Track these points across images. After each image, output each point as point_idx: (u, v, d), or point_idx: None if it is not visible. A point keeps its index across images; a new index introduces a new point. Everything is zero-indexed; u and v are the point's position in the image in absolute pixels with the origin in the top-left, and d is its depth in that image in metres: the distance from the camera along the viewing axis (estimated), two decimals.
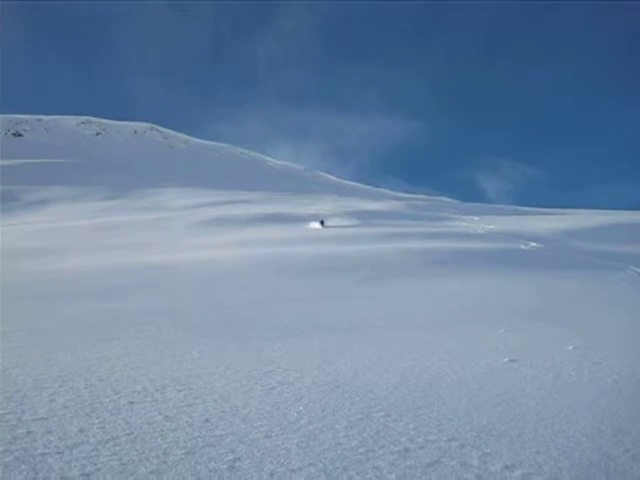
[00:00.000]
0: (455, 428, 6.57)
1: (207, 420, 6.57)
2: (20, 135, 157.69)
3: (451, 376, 9.28)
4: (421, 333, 13.80)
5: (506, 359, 10.53)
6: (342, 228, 43.38)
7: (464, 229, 46.21)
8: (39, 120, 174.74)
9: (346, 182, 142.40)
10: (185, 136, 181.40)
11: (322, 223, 45.64)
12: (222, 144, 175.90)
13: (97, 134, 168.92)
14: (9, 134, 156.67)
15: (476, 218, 56.77)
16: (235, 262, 27.51)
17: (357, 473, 5.20)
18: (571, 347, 11.78)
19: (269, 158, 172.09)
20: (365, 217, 51.86)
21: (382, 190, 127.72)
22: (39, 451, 5.54)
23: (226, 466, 5.28)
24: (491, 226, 48.02)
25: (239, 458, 5.47)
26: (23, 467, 5.13)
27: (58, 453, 5.51)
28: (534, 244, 37.52)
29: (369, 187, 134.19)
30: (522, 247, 36.11)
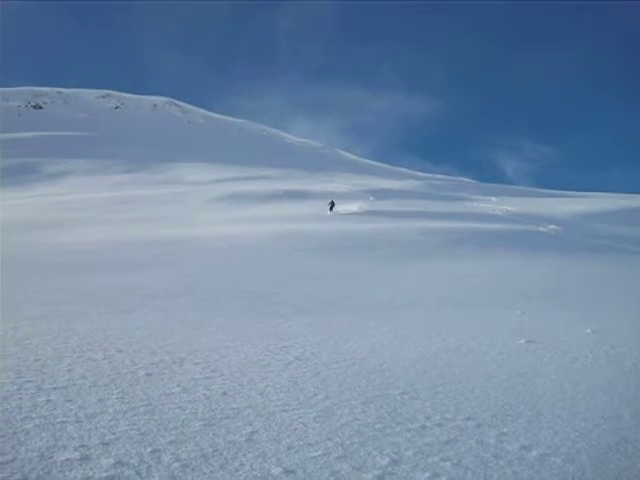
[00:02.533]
0: (472, 407, 6.56)
1: (225, 393, 6.59)
2: (40, 107, 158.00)
3: (468, 356, 9.26)
4: (438, 313, 13.78)
5: (523, 340, 10.49)
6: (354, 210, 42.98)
7: (482, 210, 46.00)
8: (59, 92, 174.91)
9: (364, 160, 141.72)
10: (204, 111, 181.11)
11: (331, 208, 41.34)
12: (241, 120, 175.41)
13: (116, 108, 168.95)
14: (29, 106, 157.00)
15: (494, 199, 56.41)
16: (252, 238, 27.56)
17: (374, 449, 5.20)
18: (588, 330, 11.72)
19: (288, 134, 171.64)
20: (383, 196, 51.66)
21: (401, 169, 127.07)
22: (59, 419, 5.58)
23: (244, 438, 5.30)
24: (510, 207, 47.70)
25: (257, 431, 5.50)
26: (43, 434, 5.17)
27: (77, 422, 5.55)
28: (553, 226, 37.28)
29: (387, 166, 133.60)
30: (541, 229, 35.91)
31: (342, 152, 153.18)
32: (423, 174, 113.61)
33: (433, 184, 74.56)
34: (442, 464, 4.98)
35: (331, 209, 41.04)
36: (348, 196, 50.67)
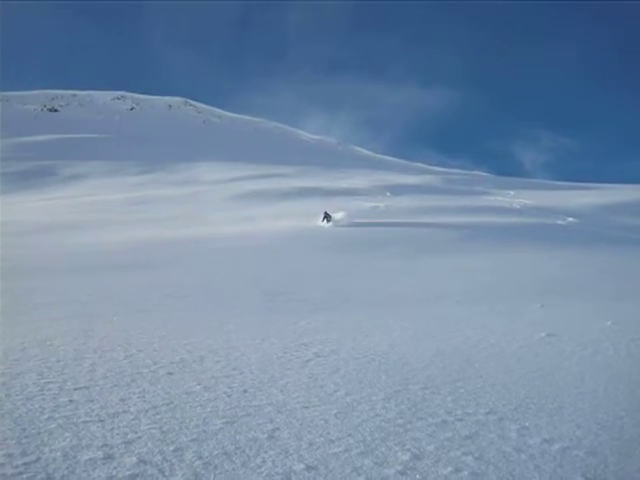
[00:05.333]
0: (493, 401, 6.55)
1: (245, 391, 6.62)
2: (56, 110, 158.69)
3: (488, 350, 9.24)
4: (456, 307, 13.75)
5: (543, 334, 10.45)
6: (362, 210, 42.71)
7: (499, 204, 45.75)
8: (74, 95, 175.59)
9: (380, 156, 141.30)
10: (219, 110, 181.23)
11: (327, 219, 33.61)
12: (256, 118, 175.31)
13: (131, 109, 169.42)
14: (45, 109, 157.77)
15: (512, 192, 56.06)
16: (269, 236, 27.61)
17: (395, 444, 5.21)
18: (609, 322, 11.65)
19: (303, 132, 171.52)
20: (399, 191, 51.52)
21: (416, 164, 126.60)
22: (82, 419, 5.63)
23: (265, 435, 5.32)
24: (527, 201, 47.41)
25: (278, 428, 5.52)
26: (67, 434, 5.21)
27: (100, 421, 5.59)
28: (571, 219, 37.05)
29: (403, 161, 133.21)
30: (559, 222, 35.70)
31: (357, 148, 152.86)
32: (439, 169, 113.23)
33: (449, 178, 74.25)
34: (464, 458, 4.97)
35: (327, 219, 33.41)
36: (365, 192, 50.59)
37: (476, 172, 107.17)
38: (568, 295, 15.77)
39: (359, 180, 63.55)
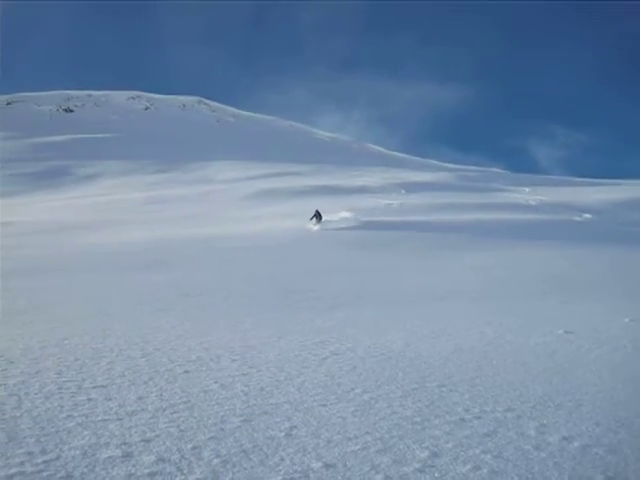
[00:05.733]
0: (511, 399, 6.52)
1: (262, 389, 6.62)
2: (71, 111, 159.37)
3: (505, 347, 9.21)
4: (472, 304, 13.71)
5: (561, 331, 10.39)
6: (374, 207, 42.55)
7: (515, 200, 45.49)
8: (89, 95, 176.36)
9: (394, 153, 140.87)
10: (233, 109, 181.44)
11: (318, 217, 31.07)
12: (270, 117, 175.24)
13: (146, 109, 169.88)
14: (60, 110, 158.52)
15: (527, 189, 55.74)
16: (284, 234, 27.63)
17: (414, 442, 5.19)
18: (627, 319, 11.59)
19: (317, 130, 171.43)
20: (414, 189, 51.38)
21: (431, 161, 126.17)
22: (100, 417, 5.65)
23: (283, 434, 5.32)
24: (543, 197, 47.10)
25: (296, 426, 5.51)
26: (85, 432, 5.24)
27: (118, 419, 5.61)
28: (588, 215, 36.77)
29: (418, 158, 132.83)
30: (576, 218, 35.46)
31: (372, 146, 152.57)
32: (454, 166, 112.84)
33: (464, 175, 73.96)
34: (482, 456, 4.95)
35: (318, 219, 31.03)
36: (380, 190, 50.50)
37: (491, 169, 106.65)
38: (585, 292, 15.69)
39: (374, 178, 63.42)
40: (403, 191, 50.54)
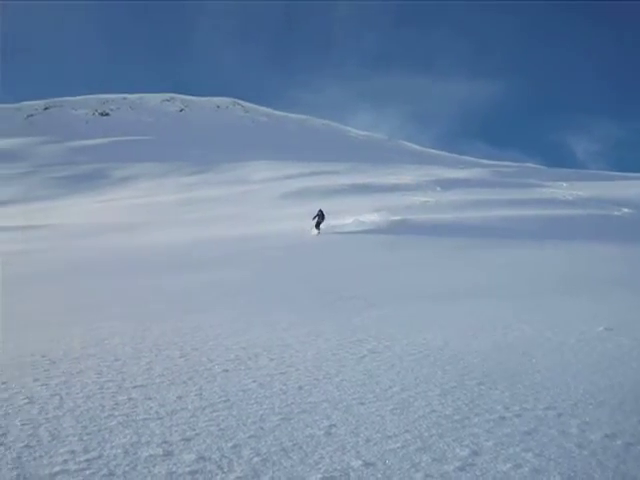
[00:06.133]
0: (551, 396, 6.44)
1: (301, 387, 6.64)
2: (107, 114, 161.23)
3: (544, 345, 9.09)
4: (510, 302, 13.56)
5: (601, 328, 10.22)
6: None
7: (552, 195, 44.97)
8: (124, 98, 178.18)
9: (429, 150, 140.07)
10: (266, 109, 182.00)
11: (318, 223, 28.80)
12: (303, 116, 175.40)
13: (181, 110, 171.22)
14: (96, 113, 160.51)
15: (564, 184, 55.07)
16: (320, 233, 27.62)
17: (453, 440, 5.16)
18: None
19: (350, 128, 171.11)
20: (449, 186, 51.06)
21: (466, 158, 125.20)
22: (141, 416, 5.72)
23: (322, 432, 5.33)
24: (581, 192, 46.44)
25: (335, 424, 5.52)
26: (127, 431, 5.30)
27: (159, 419, 5.67)
28: (627, 210, 36.16)
29: (452, 155, 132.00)
30: (614, 213, 34.90)
31: (406, 143, 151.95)
32: (489, 162, 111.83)
33: (500, 171, 73.31)
34: (524, 455, 4.90)
35: (318, 225, 28.64)
36: (415, 187, 50.29)
37: (527, 164, 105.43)
38: (624, 287, 15.44)
39: (408, 175, 63.18)
40: (438, 188, 50.24)
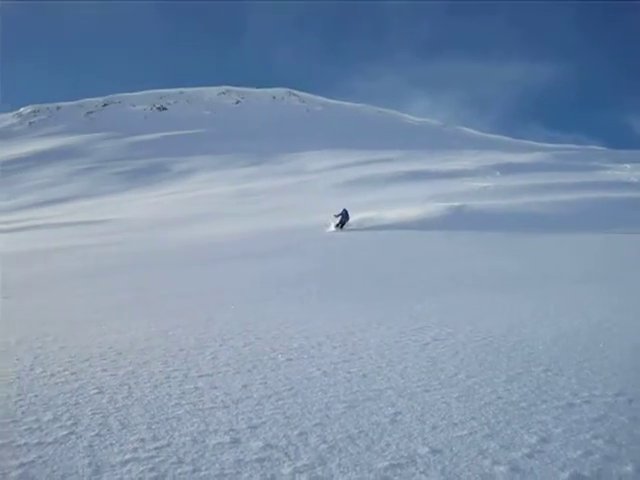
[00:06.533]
0: (621, 383, 6.30)
1: (365, 375, 6.63)
2: (164, 109, 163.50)
3: (612, 330, 8.90)
4: (575, 287, 13.32)
5: None
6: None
7: (616, 178, 43.96)
8: (181, 93, 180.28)
9: (487, 135, 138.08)
10: (322, 98, 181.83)
11: (342, 219, 27.67)
12: (358, 104, 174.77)
13: (237, 102, 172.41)
14: (154, 108, 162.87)
15: (629, 166, 53.78)
16: (378, 221, 27.53)
17: (521, 427, 5.08)
18: None
19: (406, 115, 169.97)
20: (509, 170, 50.30)
21: (526, 141, 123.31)
22: (207, 405, 5.79)
23: (388, 419, 5.31)
24: None
25: (400, 412, 5.49)
26: (194, 420, 5.37)
27: (225, 407, 5.73)
28: None
29: (512, 139, 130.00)
30: None
31: (463, 128, 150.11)
32: (550, 145, 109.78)
33: (561, 154, 72.00)
34: (594, 442, 4.79)
35: (342, 225, 27.35)
36: (473, 173, 49.74)
37: (590, 146, 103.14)
38: None
39: (467, 161, 62.54)
40: (498, 173, 49.61)
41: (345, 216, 27.57)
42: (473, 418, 5.30)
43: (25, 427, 5.27)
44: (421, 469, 4.36)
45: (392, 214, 28.35)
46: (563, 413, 5.42)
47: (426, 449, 4.67)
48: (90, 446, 4.85)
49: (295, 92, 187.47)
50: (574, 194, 33.54)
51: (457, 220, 26.87)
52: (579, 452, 4.60)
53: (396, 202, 33.76)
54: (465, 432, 4.99)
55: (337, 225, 27.28)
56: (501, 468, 4.35)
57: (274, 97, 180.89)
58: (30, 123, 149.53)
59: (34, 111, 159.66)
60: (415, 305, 11.30)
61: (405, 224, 26.42)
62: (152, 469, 4.43)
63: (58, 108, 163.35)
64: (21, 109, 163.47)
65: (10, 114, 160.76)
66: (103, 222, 36.27)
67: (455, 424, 5.17)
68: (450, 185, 40.66)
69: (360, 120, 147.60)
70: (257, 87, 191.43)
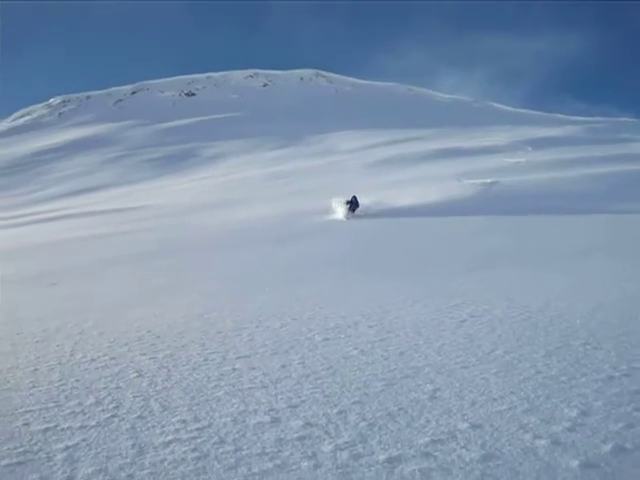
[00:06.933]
0: None
1: (402, 353, 6.64)
2: (193, 94, 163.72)
3: None
4: (612, 261, 13.17)
5: None
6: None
7: None
8: (209, 77, 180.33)
9: (518, 110, 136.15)
10: (350, 79, 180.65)
11: (352, 206, 26.16)
12: (388, 83, 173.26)
13: (264, 85, 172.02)
14: (183, 94, 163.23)
15: None
16: (410, 199, 27.39)
17: (561, 401, 5.06)
18: None
19: (437, 92, 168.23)
20: (541, 145, 49.69)
21: (557, 115, 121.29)
22: (246, 386, 5.85)
23: (427, 396, 5.32)
24: None
25: (439, 388, 5.50)
26: (234, 400, 5.43)
27: (264, 387, 5.79)
28: None
29: (542, 113, 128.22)
30: None
31: (494, 104, 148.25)
32: (582, 118, 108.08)
33: (593, 128, 70.93)
34: (635, 414, 4.76)
35: (353, 209, 26.04)
36: (505, 149, 49.21)
37: (621, 118, 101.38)
38: None
39: (498, 137, 61.82)
40: (529, 148, 49.02)
41: (355, 203, 26.37)
42: (512, 393, 5.29)
43: (68, 411, 5.39)
44: (462, 444, 4.38)
45: (427, 193, 28.05)
46: (603, 386, 5.39)
47: (466, 424, 4.68)
48: (132, 428, 4.94)
49: (323, 73, 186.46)
50: (607, 167, 33.04)
51: (487, 198, 26.64)
52: (620, 425, 4.58)
53: (429, 180, 33.52)
54: (505, 407, 4.99)
55: (349, 210, 25.88)
56: (542, 442, 4.35)
57: (302, 78, 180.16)
58: (60, 114, 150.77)
59: (63, 101, 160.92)
60: (449, 283, 11.26)
61: (432, 202, 26.23)
62: (194, 449, 4.50)
63: (87, 97, 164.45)
64: (50, 100, 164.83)
65: (40, 105, 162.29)
66: (136, 209, 36.55)
67: (494, 399, 5.17)
68: (482, 161, 40.25)
69: (390, 99, 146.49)
70: (284, 69, 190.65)
